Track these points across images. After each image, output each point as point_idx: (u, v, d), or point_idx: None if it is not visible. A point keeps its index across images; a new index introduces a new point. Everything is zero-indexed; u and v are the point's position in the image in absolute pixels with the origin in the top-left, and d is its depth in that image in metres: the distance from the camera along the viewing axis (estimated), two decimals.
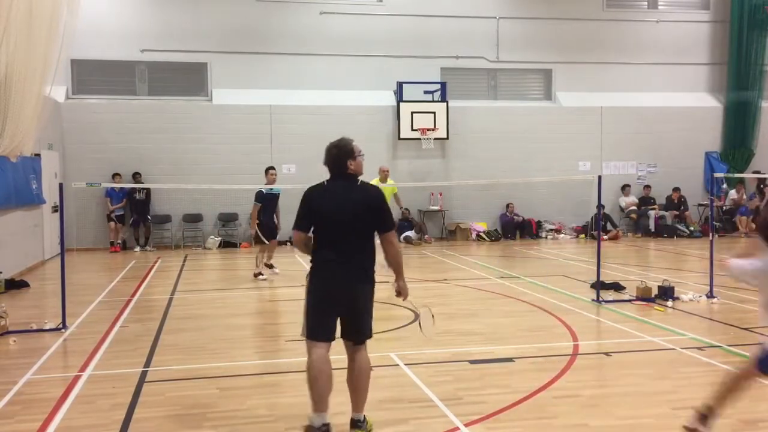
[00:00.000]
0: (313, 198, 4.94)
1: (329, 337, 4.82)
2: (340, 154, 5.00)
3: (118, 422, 5.28)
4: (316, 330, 4.79)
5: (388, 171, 14.41)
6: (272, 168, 12.92)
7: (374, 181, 14.15)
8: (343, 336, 4.90)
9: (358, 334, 4.87)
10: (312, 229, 4.94)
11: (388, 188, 14.13)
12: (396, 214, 14.14)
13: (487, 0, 20.02)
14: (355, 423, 4.90)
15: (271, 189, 12.62)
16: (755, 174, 19.20)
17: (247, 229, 18.38)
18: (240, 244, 18.11)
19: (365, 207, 4.87)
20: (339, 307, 4.83)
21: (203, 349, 7.53)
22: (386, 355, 7.04)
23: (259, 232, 12.58)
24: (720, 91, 21.28)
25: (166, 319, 9.15)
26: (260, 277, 12.49)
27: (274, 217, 12.84)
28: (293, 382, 6.32)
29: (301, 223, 4.93)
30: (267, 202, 12.55)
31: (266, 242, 12.63)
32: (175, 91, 18.81)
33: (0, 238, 12.28)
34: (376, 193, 5.03)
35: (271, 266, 12.82)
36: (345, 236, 4.82)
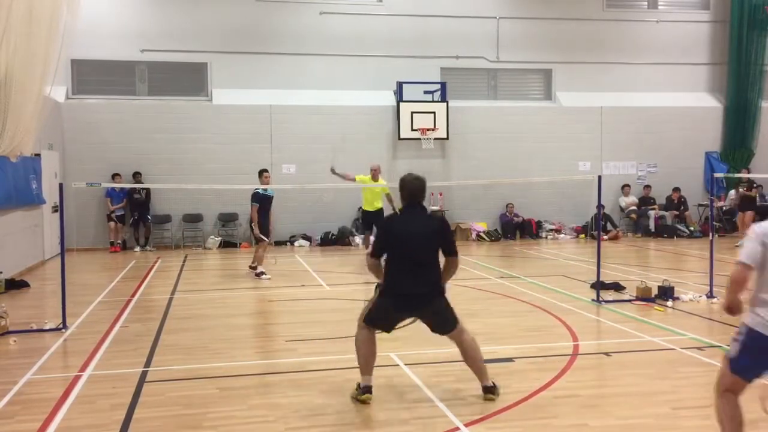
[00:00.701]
0: (394, 227, 5.76)
1: (384, 330, 5.83)
2: (422, 187, 5.77)
3: (118, 422, 5.28)
4: (376, 322, 5.73)
5: (378, 169, 14.30)
6: (266, 170, 13.00)
7: (359, 179, 14.26)
8: (437, 332, 5.83)
9: (446, 327, 5.73)
10: (385, 254, 5.73)
11: (378, 188, 14.12)
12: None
13: (487, 0, 20.02)
14: (487, 389, 5.67)
15: (266, 190, 12.67)
16: (756, 175, 19.20)
17: (247, 229, 18.38)
18: (240, 244, 18.11)
19: (440, 233, 5.70)
20: (421, 317, 5.83)
21: (203, 349, 7.53)
22: (386, 355, 7.04)
23: (258, 232, 12.61)
24: (720, 91, 21.28)
25: (166, 319, 9.15)
26: (263, 276, 12.47)
27: (269, 218, 12.92)
28: (293, 382, 6.32)
29: (379, 250, 5.76)
30: (263, 203, 12.63)
31: (265, 239, 12.64)
32: (175, 91, 18.81)
33: (0, 238, 12.28)
34: (444, 221, 6.01)
35: (254, 268, 12.79)
36: (423, 258, 5.59)
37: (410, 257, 5.57)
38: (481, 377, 5.72)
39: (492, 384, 5.70)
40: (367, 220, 14.58)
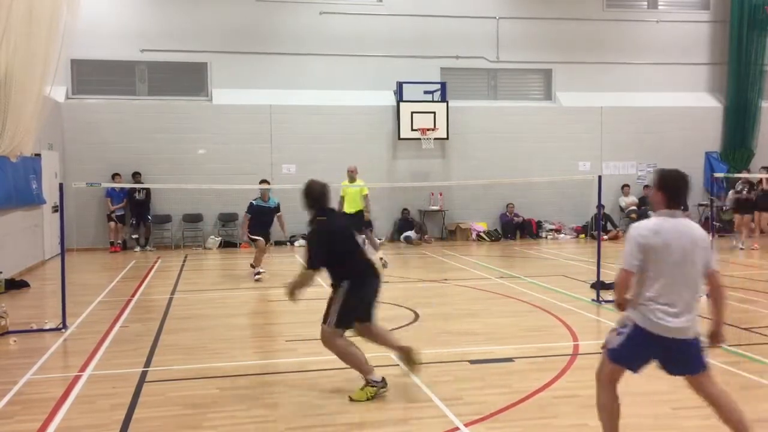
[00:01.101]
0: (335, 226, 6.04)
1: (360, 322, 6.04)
2: (325, 192, 6.00)
3: (118, 422, 5.28)
4: (350, 321, 5.98)
5: (355, 170, 14.05)
6: (263, 181, 12.97)
7: (343, 184, 14.07)
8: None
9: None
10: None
11: (356, 189, 13.92)
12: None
13: (487, 0, 20.02)
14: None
15: (267, 200, 12.69)
16: (756, 174, 19.18)
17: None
18: (240, 244, 18.10)
19: None
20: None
21: (203, 349, 7.53)
22: (386, 355, 7.04)
23: (249, 237, 12.66)
24: (720, 91, 21.28)
25: (166, 319, 9.15)
26: (256, 276, 12.43)
27: (269, 226, 12.88)
28: (293, 382, 6.32)
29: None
30: (256, 214, 12.57)
31: (258, 239, 12.52)
32: (175, 91, 18.81)
33: (0, 238, 12.28)
34: (312, 231, 6.07)
35: (253, 267, 12.75)
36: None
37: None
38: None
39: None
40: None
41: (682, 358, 4.39)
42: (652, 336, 4.25)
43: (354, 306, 5.78)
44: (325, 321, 5.80)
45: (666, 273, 4.20)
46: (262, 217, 12.61)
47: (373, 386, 5.69)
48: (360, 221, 13.92)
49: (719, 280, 4.36)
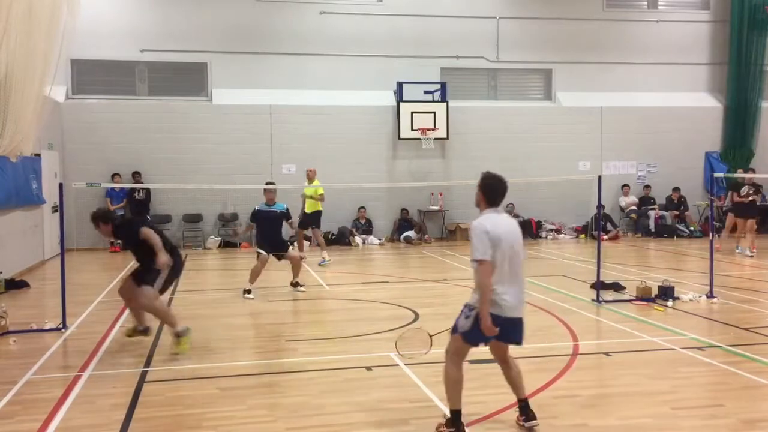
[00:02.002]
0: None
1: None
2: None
3: (118, 422, 5.28)
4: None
5: (313, 172, 14.62)
6: (268, 183, 11.81)
7: (315, 184, 14.43)
8: None
9: None
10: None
11: (312, 189, 14.42)
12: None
13: (487, 0, 20.02)
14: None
15: (271, 205, 11.30)
16: (755, 175, 19.17)
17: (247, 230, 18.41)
18: (240, 244, 18.10)
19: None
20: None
21: (203, 349, 7.53)
22: (386, 355, 7.05)
23: (256, 251, 11.36)
24: (720, 91, 21.28)
25: None
26: (247, 296, 10.78)
27: (273, 232, 11.37)
28: (293, 382, 6.33)
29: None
30: (259, 221, 11.30)
31: (261, 253, 11.05)
32: (175, 91, 18.80)
33: (0, 238, 12.28)
34: None
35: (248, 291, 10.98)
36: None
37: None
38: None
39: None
40: (305, 221, 14.74)
41: (514, 331, 5.00)
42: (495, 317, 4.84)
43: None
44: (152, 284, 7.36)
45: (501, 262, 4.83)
46: (267, 225, 11.24)
47: (184, 335, 7.20)
48: (316, 220, 14.66)
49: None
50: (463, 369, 5.05)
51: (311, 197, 14.56)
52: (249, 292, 10.75)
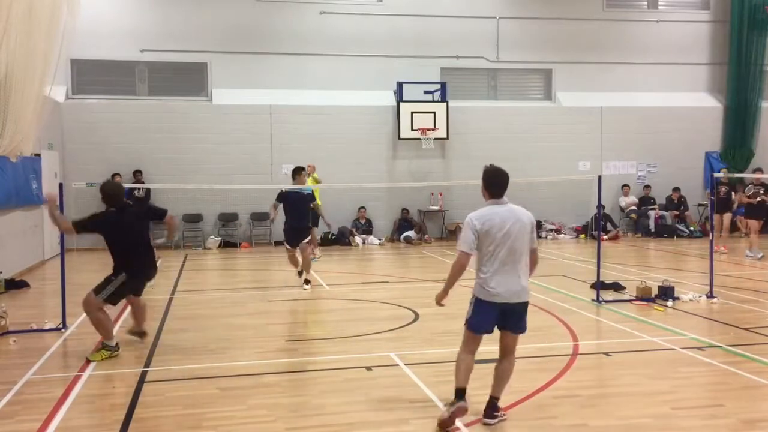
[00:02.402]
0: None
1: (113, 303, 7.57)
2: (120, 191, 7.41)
3: (118, 422, 5.28)
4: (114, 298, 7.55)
5: (313, 168, 14.48)
6: (299, 169, 11.77)
7: (310, 181, 14.15)
8: None
9: None
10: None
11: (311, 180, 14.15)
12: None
13: (486, 0, 20.02)
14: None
15: (300, 189, 11.40)
16: (755, 175, 19.17)
17: (246, 229, 18.42)
18: (240, 244, 18.10)
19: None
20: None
21: (203, 349, 7.53)
22: (386, 355, 7.05)
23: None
24: (720, 91, 21.28)
25: (166, 319, 9.15)
26: (305, 286, 11.24)
27: (302, 219, 11.40)
28: (293, 382, 6.33)
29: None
30: (290, 202, 11.34)
31: (288, 248, 11.50)
32: (175, 91, 18.80)
33: (0, 238, 12.28)
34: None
35: (301, 274, 11.55)
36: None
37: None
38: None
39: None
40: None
41: (513, 317, 5.21)
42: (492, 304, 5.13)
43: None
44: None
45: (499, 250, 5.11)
46: (295, 207, 11.27)
47: (108, 350, 7.11)
48: (315, 217, 13.94)
49: (537, 256, 5.37)
50: (473, 356, 5.21)
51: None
52: (300, 274, 11.49)
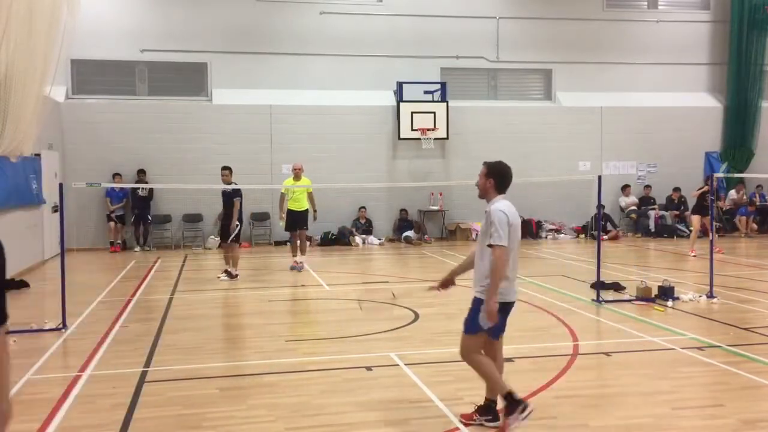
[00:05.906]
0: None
1: None
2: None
3: (118, 422, 5.28)
4: None
5: (300, 168, 13.86)
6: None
7: (286, 182, 13.93)
8: None
9: None
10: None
11: (302, 188, 13.68)
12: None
13: (486, 0, 20.02)
14: None
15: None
16: (755, 175, 19.19)
17: (246, 229, 18.39)
18: (240, 243, 18.05)
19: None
20: None
21: (203, 349, 7.53)
22: (386, 355, 7.05)
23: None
24: (720, 91, 21.28)
25: (166, 319, 9.15)
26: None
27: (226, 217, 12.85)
28: (293, 382, 6.32)
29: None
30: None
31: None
32: (175, 91, 18.80)
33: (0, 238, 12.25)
34: None
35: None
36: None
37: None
38: None
39: None
40: (293, 219, 13.80)
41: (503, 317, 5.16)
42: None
43: None
44: None
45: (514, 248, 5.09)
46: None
47: None
48: (305, 220, 13.83)
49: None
50: (487, 356, 5.15)
51: (300, 193, 13.76)
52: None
